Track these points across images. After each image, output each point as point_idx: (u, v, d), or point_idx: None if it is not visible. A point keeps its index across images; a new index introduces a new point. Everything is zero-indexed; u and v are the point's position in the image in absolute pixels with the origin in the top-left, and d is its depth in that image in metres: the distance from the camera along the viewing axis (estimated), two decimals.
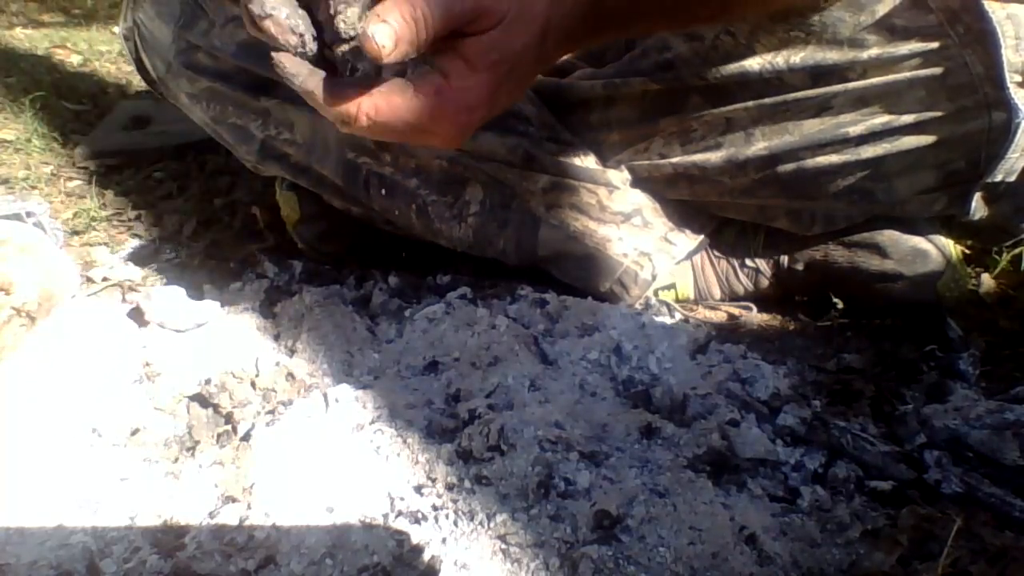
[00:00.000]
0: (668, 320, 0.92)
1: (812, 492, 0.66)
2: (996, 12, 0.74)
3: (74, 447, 0.70)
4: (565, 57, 1.08)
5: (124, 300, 0.99)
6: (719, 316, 0.98)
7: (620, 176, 0.93)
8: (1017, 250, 0.98)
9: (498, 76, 0.55)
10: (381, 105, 0.53)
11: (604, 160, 0.94)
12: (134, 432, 0.72)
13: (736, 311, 0.98)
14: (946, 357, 0.85)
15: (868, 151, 0.82)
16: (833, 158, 0.83)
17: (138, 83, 1.79)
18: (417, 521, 0.61)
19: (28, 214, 0.95)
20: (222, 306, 0.90)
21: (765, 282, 0.98)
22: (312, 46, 0.51)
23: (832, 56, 0.78)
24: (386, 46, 0.48)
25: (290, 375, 0.78)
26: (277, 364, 0.79)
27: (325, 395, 0.73)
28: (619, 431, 0.71)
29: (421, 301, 0.95)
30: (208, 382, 0.77)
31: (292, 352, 0.83)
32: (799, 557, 0.60)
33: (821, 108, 0.81)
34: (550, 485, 0.63)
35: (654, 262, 0.94)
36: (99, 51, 2.16)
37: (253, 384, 0.76)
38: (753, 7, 0.75)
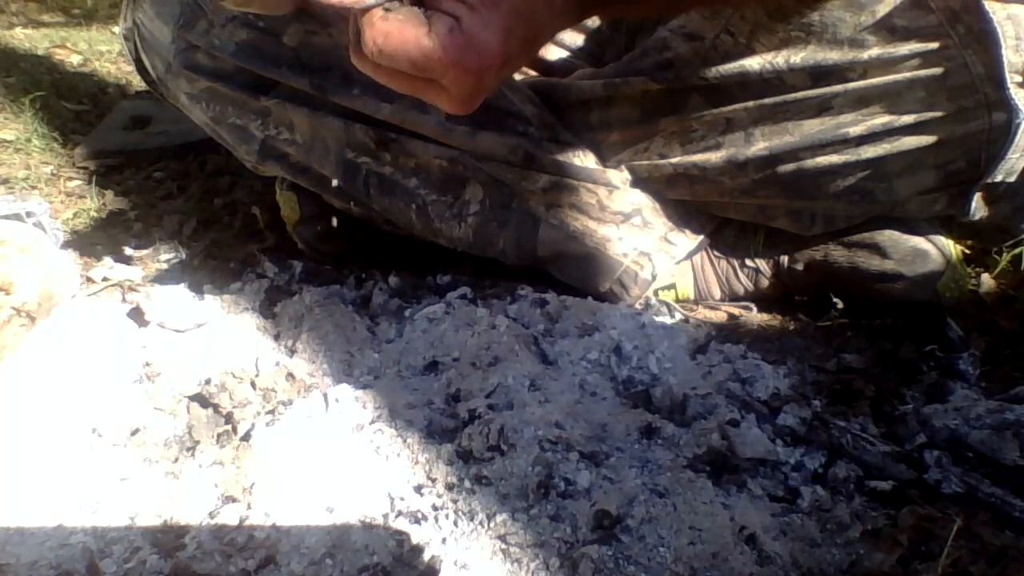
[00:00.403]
0: (668, 320, 0.91)
1: (812, 492, 0.66)
2: (996, 12, 0.74)
3: (74, 447, 0.70)
4: (564, 55, 1.08)
5: (124, 300, 0.98)
6: (719, 316, 0.98)
7: (620, 176, 0.93)
8: (1017, 250, 0.98)
9: (506, 17, 0.52)
10: (392, 31, 0.51)
11: (604, 160, 0.94)
12: (134, 432, 0.72)
13: (736, 311, 0.98)
14: (946, 357, 0.85)
15: (868, 151, 0.82)
16: (833, 158, 0.83)
17: (138, 83, 1.79)
18: (417, 521, 0.61)
19: (28, 214, 0.95)
20: (222, 306, 0.90)
21: (765, 282, 0.98)
22: None
23: (832, 56, 0.78)
24: None
25: (290, 375, 0.78)
26: (277, 364, 0.79)
27: (325, 395, 0.73)
28: (619, 431, 0.71)
29: (421, 301, 0.95)
30: (208, 382, 0.77)
31: (292, 352, 0.83)
32: (799, 557, 0.60)
33: (821, 108, 0.81)
34: (550, 485, 0.63)
35: (654, 262, 0.94)
36: (99, 51, 2.16)
37: (253, 384, 0.76)
38: None
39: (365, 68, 0.56)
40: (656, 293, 0.97)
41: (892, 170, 0.84)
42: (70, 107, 1.69)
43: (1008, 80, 0.76)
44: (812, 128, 0.82)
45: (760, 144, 0.85)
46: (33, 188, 1.33)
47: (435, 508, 0.63)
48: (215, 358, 0.81)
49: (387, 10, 0.52)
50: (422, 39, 0.52)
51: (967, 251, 1.00)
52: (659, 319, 0.91)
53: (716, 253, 0.99)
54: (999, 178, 0.82)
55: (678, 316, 0.94)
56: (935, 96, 0.79)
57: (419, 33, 0.52)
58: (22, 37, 2.28)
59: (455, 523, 0.61)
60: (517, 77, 0.98)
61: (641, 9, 0.82)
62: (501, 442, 0.66)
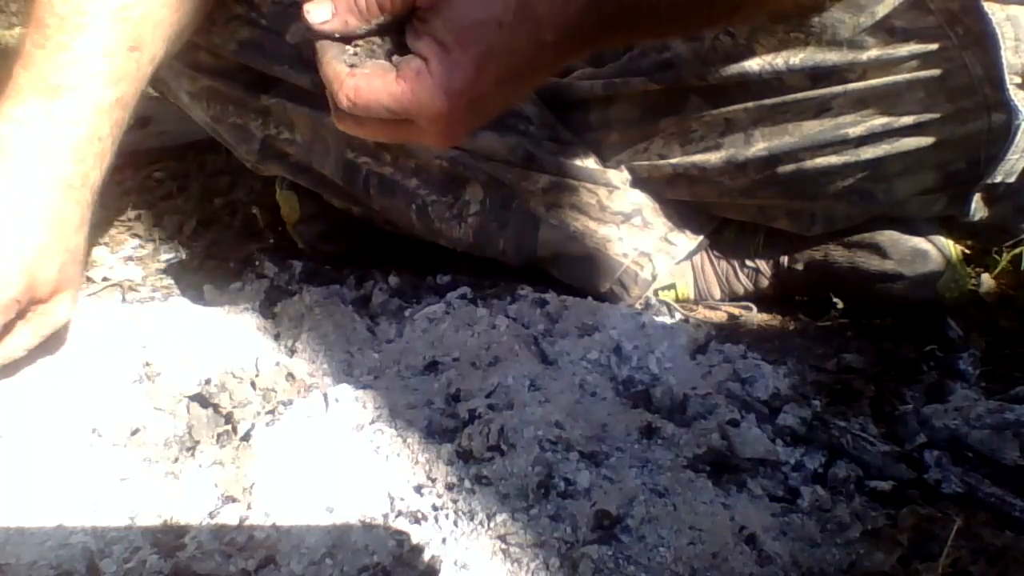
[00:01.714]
0: (668, 320, 0.92)
1: (812, 492, 0.66)
2: (996, 14, 0.74)
3: (74, 447, 0.70)
4: None
5: (124, 300, 0.99)
6: (719, 316, 0.98)
7: (620, 176, 0.94)
8: (1017, 250, 0.98)
9: (477, 55, 0.53)
10: (361, 86, 0.53)
11: (604, 160, 0.94)
12: (134, 432, 0.72)
13: (736, 311, 0.98)
14: (946, 357, 0.85)
15: (868, 152, 0.82)
16: (833, 159, 0.83)
17: None
18: (417, 521, 0.61)
19: None
20: (222, 306, 0.90)
21: (765, 282, 0.98)
22: None
23: (832, 57, 0.78)
24: (320, 15, 0.52)
25: (290, 375, 0.78)
26: (277, 364, 0.79)
27: (325, 395, 0.73)
28: (619, 431, 0.71)
29: (421, 301, 0.94)
30: (208, 382, 0.77)
31: (292, 352, 0.83)
32: (799, 557, 0.60)
33: (821, 109, 0.82)
34: (550, 485, 0.63)
35: (654, 262, 0.94)
36: None
37: (253, 384, 0.76)
38: (763, 4, 0.74)
39: (348, 127, 0.57)
40: (656, 293, 0.97)
41: (892, 171, 0.84)
42: None
43: (1007, 81, 0.76)
44: (812, 129, 0.83)
45: (760, 145, 0.85)
46: None
47: (435, 508, 0.63)
48: (215, 358, 0.81)
49: (352, 66, 0.55)
50: (391, 86, 0.53)
51: (967, 251, 1.00)
52: (659, 319, 0.91)
53: (716, 253, 0.99)
54: (999, 179, 0.82)
55: (678, 316, 0.94)
56: (934, 97, 0.79)
57: (387, 80, 0.53)
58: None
59: (455, 523, 0.61)
60: None
61: (645, 38, 0.82)
62: (501, 442, 0.66)
